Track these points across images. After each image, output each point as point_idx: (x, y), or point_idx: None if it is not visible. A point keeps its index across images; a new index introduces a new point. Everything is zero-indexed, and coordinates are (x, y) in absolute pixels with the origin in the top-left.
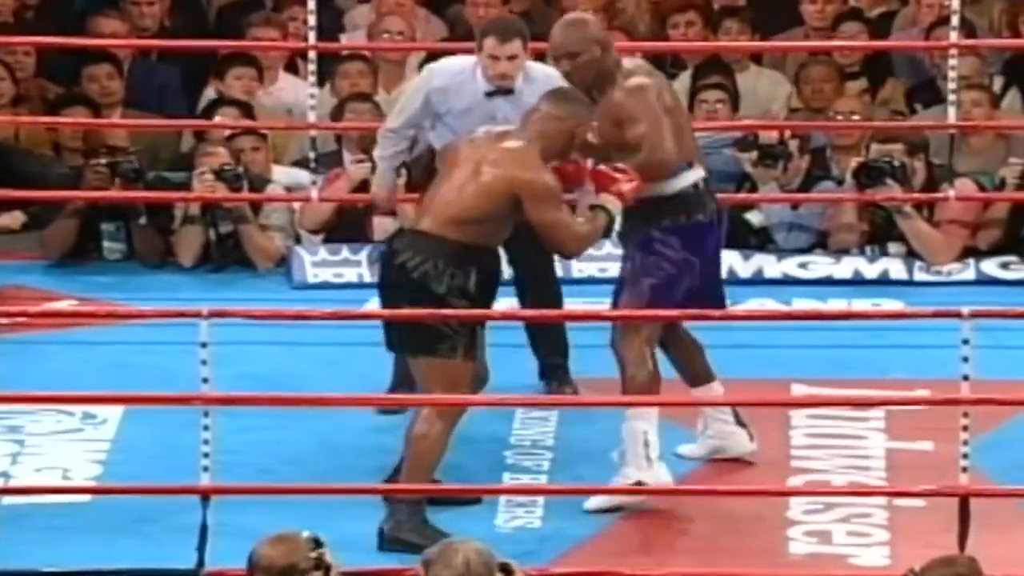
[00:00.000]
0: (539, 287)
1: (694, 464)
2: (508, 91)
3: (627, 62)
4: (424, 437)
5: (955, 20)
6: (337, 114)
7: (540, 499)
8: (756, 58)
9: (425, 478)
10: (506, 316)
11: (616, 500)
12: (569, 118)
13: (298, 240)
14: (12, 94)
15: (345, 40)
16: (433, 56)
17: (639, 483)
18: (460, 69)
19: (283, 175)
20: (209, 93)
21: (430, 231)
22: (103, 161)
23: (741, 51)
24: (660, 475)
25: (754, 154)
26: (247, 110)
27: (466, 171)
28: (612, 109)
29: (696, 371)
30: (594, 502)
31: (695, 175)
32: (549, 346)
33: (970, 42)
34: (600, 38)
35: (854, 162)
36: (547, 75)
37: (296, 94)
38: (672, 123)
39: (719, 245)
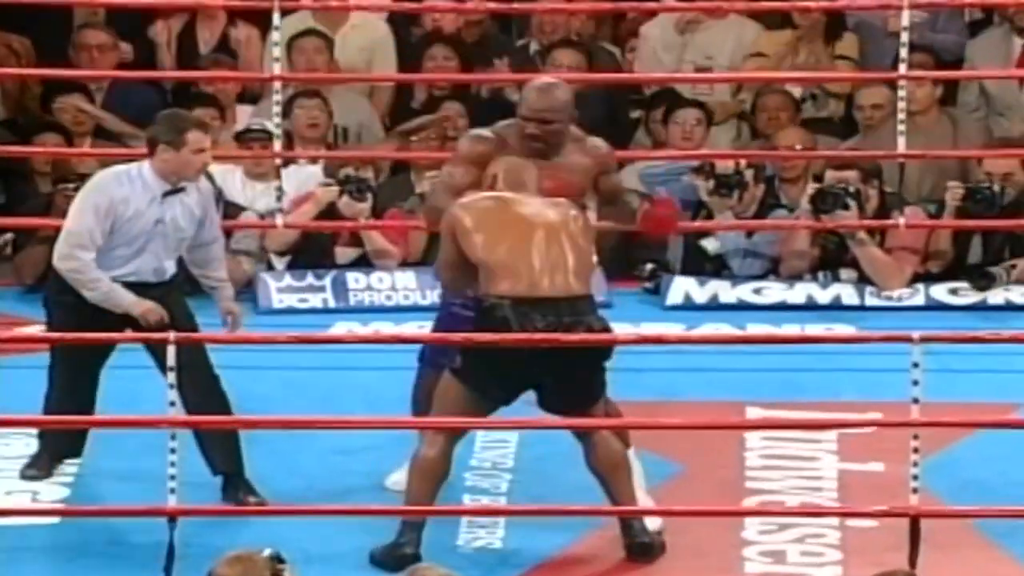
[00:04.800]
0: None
1: (650, 485)
2: (179, 190)
3: None
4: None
5: None
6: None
7: (501, 520)
8: None
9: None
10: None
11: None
12: None
13: (269, 266)
14: None
15: None
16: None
17: None
18: (128, 174)
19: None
20: None
21: (582, 292)
22: (71, 187)
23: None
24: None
25: (711, 183)
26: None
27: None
28: (607, 158)
29: None
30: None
31: None
32: (221, 455)
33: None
34: (570, 105)
35: (810, 188)
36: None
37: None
38: None
39: None
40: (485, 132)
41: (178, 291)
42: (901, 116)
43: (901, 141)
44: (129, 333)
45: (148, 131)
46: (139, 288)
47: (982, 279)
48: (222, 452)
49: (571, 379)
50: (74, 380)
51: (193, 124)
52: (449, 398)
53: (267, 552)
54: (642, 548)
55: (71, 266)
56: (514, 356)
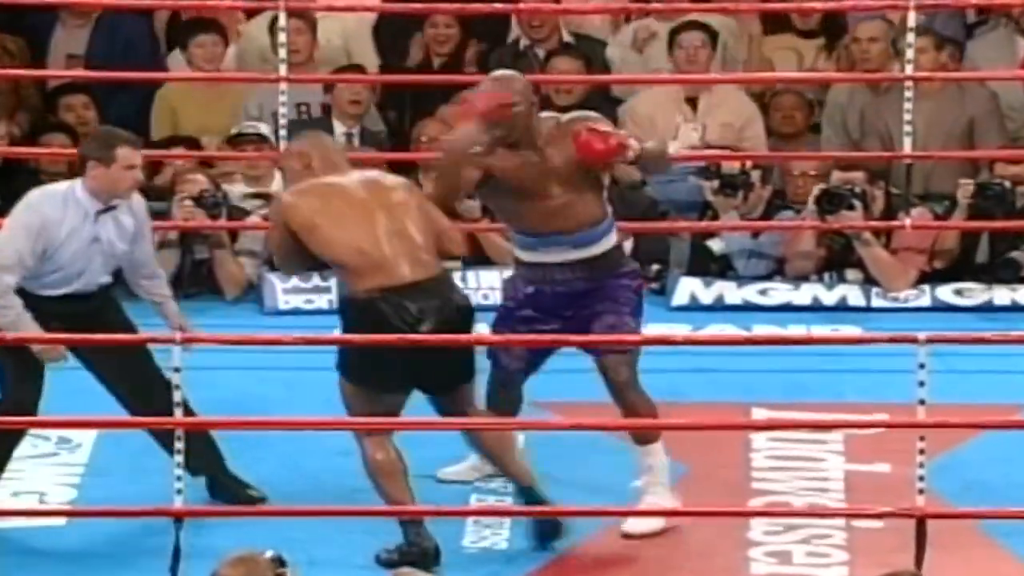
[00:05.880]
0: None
1: None
2: (112, 208)
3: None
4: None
5: None
6: None
7: (506, 520)
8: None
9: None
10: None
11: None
12: None
13: (271, 266)
14: None
15: None
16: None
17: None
18: (62, 195)
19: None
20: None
21: (439, 269)
22: None
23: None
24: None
25: (715, 183)
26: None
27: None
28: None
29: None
30: (636, 525)
31: None
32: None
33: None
34: (530, 91)
35: (816, 189)
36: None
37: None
38: None
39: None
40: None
41: (113, 298)
42: (907, 117)
43: (907, 142)
44: (137, 335)
45: (79, 148)
46: (79, 300)
47: (1008, 268)
48: (196, 453)
49: (450, 359)
50: (23, 381)
51: (123, 140)
52: (355, 399)
53: (268, 554)
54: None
55: None
56: (394, 349)
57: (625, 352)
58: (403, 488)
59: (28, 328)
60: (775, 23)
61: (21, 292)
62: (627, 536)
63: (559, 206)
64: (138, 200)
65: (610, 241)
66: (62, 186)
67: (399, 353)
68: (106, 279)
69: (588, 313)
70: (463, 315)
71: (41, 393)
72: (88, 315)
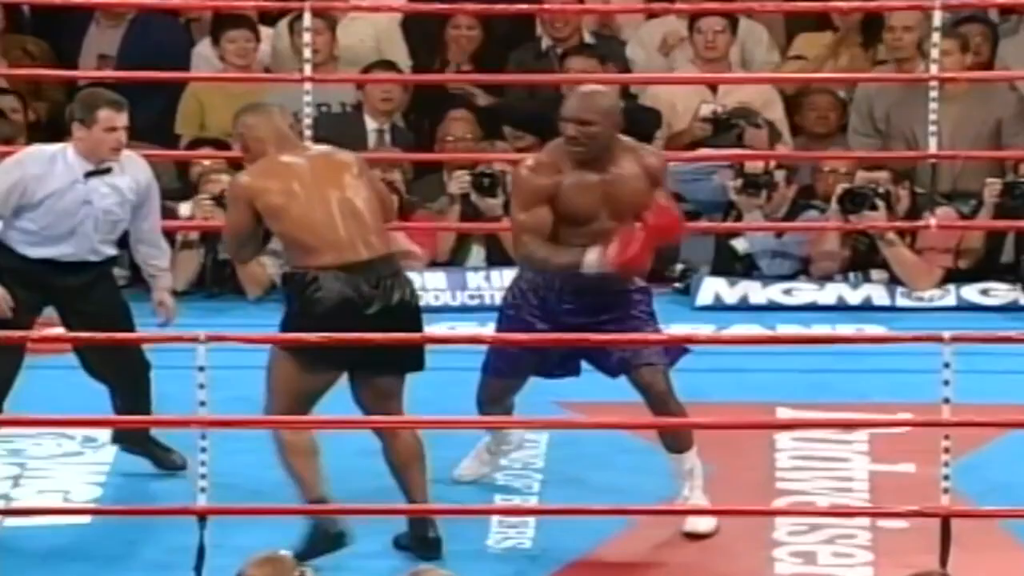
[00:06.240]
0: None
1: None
2: (106, 171)
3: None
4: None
5: None
6: None
7: (531, 520)
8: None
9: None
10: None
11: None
12: None
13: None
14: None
15: None
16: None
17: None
18: (51, 154)
19: None
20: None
21: (388, 248)
22: None
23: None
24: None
25: (739, 182)
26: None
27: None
28: (658, 169)
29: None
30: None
31: None
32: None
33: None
34: (616, 114)
35: (839, 188)
36: (136, 163)
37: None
38: None
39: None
40: (537, 160)
41: (110, 274)
42: (933, 117)
43: (933, 142)
44: (158, 334)
45: (67, 109)
46: (77, 268)
47: None
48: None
49: (395, 345)
50: None
51: (105, 102)
52: (282, 375)
53: (283, 553)
54: (428, 543)
55: None
56: (341, 326)
57: (658, 363)
58: (313, 468)
59: None
60: (813, 21)
61: (9, 252)
62: (689, 535)
63: (601, 231)
64: (143, 168)
65: None
66: (55, 146)
67: (350, 329)
68: (106, 249)
69: (606, 327)
70: (413, 293)
71: (14, 371)
72: (77, 290)
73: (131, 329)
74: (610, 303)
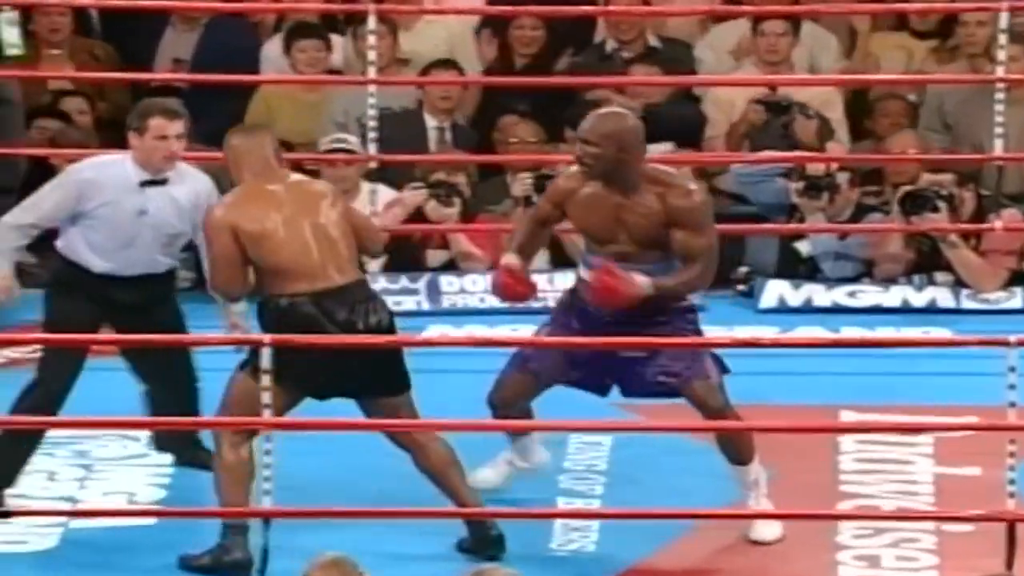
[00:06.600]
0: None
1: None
2: (162, 181)
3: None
4: None
5: None
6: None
7: (594, 523)
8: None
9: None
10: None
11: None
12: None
13: (361, 267)
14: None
15: None
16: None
17: None
18: (110, 160)
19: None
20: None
21: (360, 275)
22: None
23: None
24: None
25: (800, 185)
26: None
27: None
28: (684, 212)
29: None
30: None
31: None
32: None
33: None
34: (623, 139)
35: (901, 191)
36: (195, 176)
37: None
38: None
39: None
40: (576, 169)
41: (169, 296)
42: (999, 119)
43: (999, 144)
44: (219, 335)
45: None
46: (136, 282)
47: None
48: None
49: (378, 365)
50: (54, 378)
51: (158, 110)
52: (244, 396)
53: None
54: (490, 541)
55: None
56: (324, 353)
57: (708, 378)
58: (243, 494)
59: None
60: (889, 21)
61: (73, 266)
62: (755, 542)
63: (622, 254)
64: (203, 180)
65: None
66: (116, 155)
67: (328, 355)
68: (165, 260)
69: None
70: (390, 316)
71: (71, 379)
72: (137, 307)
73: (187, 356)
74: (652, 319)
